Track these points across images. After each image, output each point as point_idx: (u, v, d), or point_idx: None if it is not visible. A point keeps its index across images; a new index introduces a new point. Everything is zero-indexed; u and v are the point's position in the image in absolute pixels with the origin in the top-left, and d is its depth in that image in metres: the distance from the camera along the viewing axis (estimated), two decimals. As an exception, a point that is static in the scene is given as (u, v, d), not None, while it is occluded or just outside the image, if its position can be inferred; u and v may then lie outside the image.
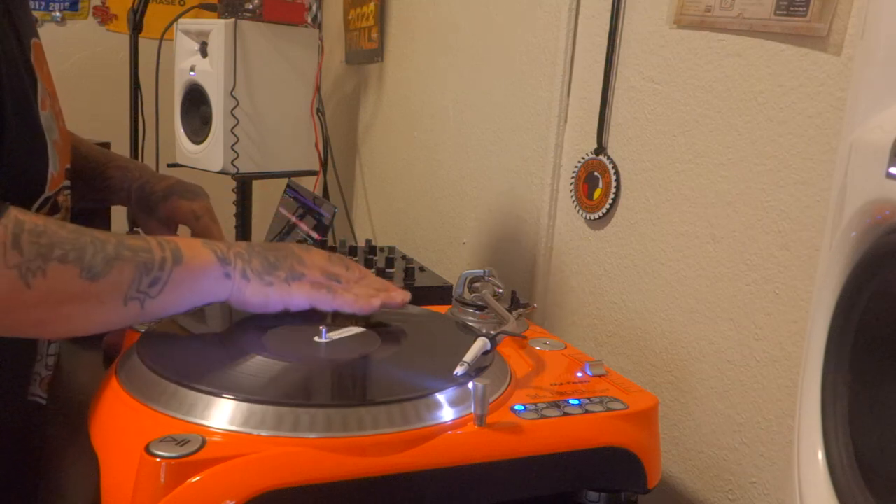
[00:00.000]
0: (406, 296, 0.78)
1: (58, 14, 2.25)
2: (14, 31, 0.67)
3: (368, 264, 1.09)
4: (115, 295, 0.62)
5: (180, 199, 0.93)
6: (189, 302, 0.68)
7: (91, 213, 0.93)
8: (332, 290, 0.74)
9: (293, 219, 1.50)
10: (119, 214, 1.00)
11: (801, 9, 0.78)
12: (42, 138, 0.67)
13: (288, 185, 1.58)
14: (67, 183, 0.77)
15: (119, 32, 2.31)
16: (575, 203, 1.13)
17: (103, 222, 1.34)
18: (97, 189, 0.94)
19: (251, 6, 1.60)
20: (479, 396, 0.61)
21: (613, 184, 1.05)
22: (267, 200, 1.83)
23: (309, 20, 1.73)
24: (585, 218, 1.11)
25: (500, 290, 0.87)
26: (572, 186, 1.14)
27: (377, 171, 1.91)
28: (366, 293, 0.76)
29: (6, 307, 0.58)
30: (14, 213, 0.58)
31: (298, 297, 0.72)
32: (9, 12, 0.66)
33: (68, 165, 0.77)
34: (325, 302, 0.73)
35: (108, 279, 0.61)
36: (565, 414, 0.65)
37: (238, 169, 1.63)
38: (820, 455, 0.53)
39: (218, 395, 0.59)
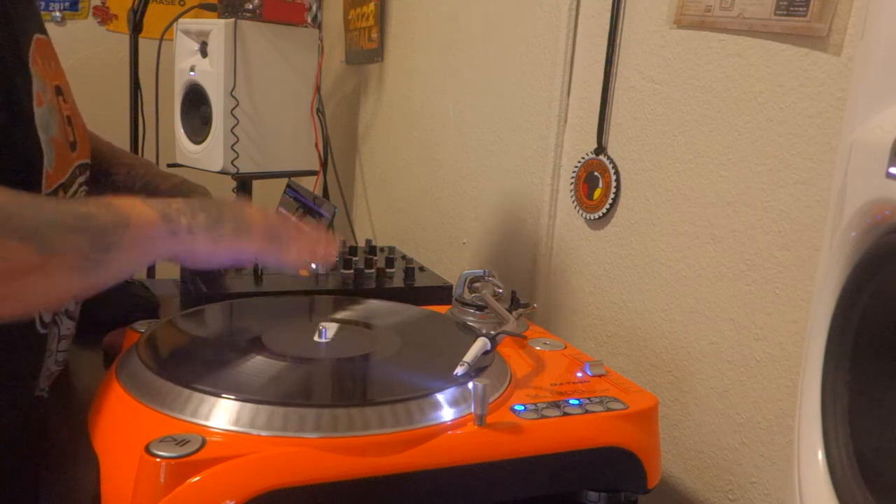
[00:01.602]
0: (334, 247, 0.78)
1: (58, 14, 2.25)
2: (8, 26, 0.66)
3: (368, 264, 1.09)
4: (68, 264, 0.61)
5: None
6: (140, 263, 0.67)
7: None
8: (277, 244, 0.74)
9: (293, 219, 1.50)
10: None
11: (801, 9, 0.78)
12: (34, 136, 0.67)
13: (288, 185, 1.59)
14: (83, 179, 0.78)
15: (119, 32, 2.31)
16: (575, 203, 1.13)
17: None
18: (101, 185, 0.94)
19: (251, 6, 1.60)
20: (479, 396, 0.61)
21: (613, 184, 1.05)
22: (267, 200, 1.83)
23: (309, 20, 1.73)
24: (585, 218, 1.11)
25: (500, 290, 0.87)
26: (572, 186, 1.14)
27: (377, 171, 1.91)
28: (303, 249, 0.76)
29: None
30: None
31: (245, 250, 0.73)
32: (4, 8, 0.66)
33: (84, 161, 0.77)
34: (272, 256, 0.74)
35: (62, 249, 0.60)
36: (565, 414, 0.65)
37: (238, 169, 1.63)
38: (820, 455, 0.53)
39: (218, 395, 0.59)
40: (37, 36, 0.71)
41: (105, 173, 0.94)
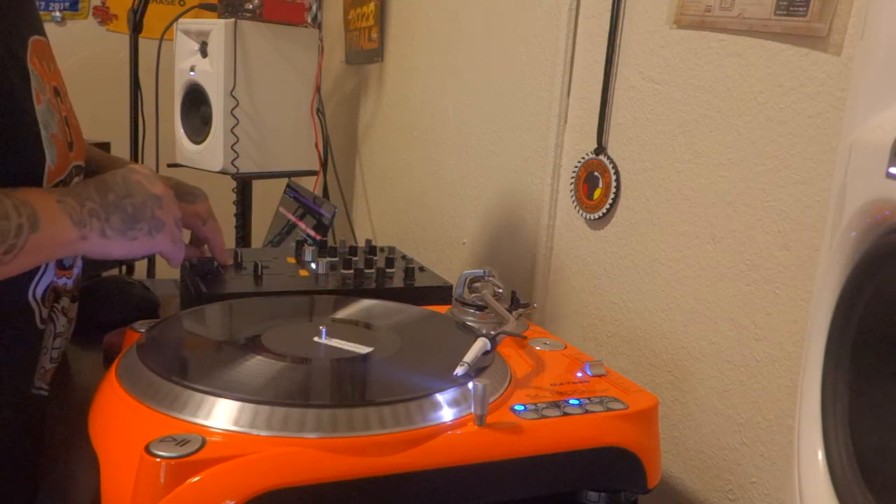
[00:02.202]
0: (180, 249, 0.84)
1: (58, 14, 2.25)
2: (5, 26, 0.67)
3: (369, 264, 1.09)
4: None
5: (181, 203, 0.93)
6: (42, 262, 0.70)
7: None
8: (178, 241, 0.81)
9: (293, 219, 1.51)
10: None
11: (801, 9, 0.78)
12: (36, 131, 0.67)
13: (288, 185, 1.59)
14: (79, 179, 0.78)
15: (119, 32, 2.31)
16: (575, 203, 1.13)
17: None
18: None
19: (251, 6, 1.60)
20: (479, 396, 0.61)
21: (613, 184, 1.05)
22: (267, 200, 1.83)
23: (309, 20, 1.73)
24: (585, 218, 1.11)
25: (500, 290, 0.87)
26: (572, 186, 1.14)
27: (377, 171, 1.91)
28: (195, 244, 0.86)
29: None
30: None
31: (160, 247, 0.78)
32: (0, 8, 0.66)
33: (79, 162, 0.77)
34: (176, 256, 0.81)
35: None
36: (565, 414, 0.65)
37: (238, 169, 1.63)
38: (820, 455, 0.53)
39: (218, 395, 0.59)
40: (35, 37, 0.71)
41: None
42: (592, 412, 0.66)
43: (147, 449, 0.53)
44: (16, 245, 0.64)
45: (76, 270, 0.80)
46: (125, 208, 0.73)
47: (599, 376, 0.73)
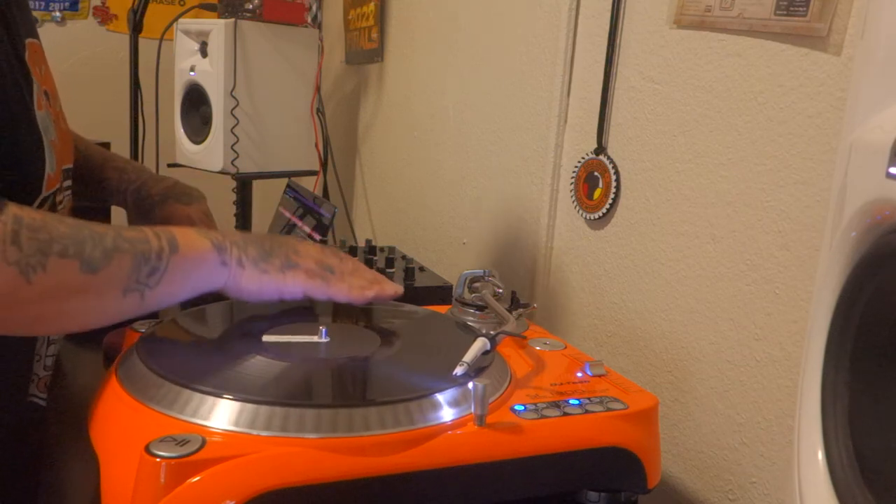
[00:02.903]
0: (398, 289, 0.79)
1: (58, 14, 2.25)
2: (6, 31, 0.66)
3: (368, 264, 1.09)
4: (114, 287, 0.62)
5: (176, 204, 0.93)
6: (187, 290, 0.68)
7: (90, 211, 0.93)
8: (326, 279, 0.75)
9: (293, 219, 1.50)
10: (119, 212, 1.00)
11: (801, 9, 0.78)
12: (38, 138, 0.67)
13: (288, 185, 1.58)
14: (68, 183, 0.77)
15: (119, 32, 2.31)
16: (575, 203, 1.13)
17: (103, 220, 1.34)
18: (93, 190, 0.94)
19: (251, 6, 1.60)
20: (479, 396, 0.61)
21: (613, 184, 1.05)
22: (267, 200, 1.83)
23: (309, 20, 1.73)
24: (585, 218, 1.11)
25: (500, 290, 0.87)
26: (572, 186, 1.14)
27: (377, 171, 1.91)
28: (359, 284, 0.77)
29: (6, 303, 0.58)
30: (12, 208, 0.58)
31: (293, 284, 0.73)
32: (1, 12, 0.66)
33: (68, 166, 0.77)
34: (320, 290, 0.74)
35: (107, 271, 0.61)
36: (565, 414, 0.65)
37: (238, 169, 1.63)
38: (820, 455, 0.53)
39: (218, 395, 0.59)
40: (29, 40, 0.71)
41: (97, 178, 0.94)
42: (592, 412, 0.66)
43: (147, 449, 0.53)
44: (158, 268, 0.64)
45: None
46: (262, 245, 0.73)
47: (599, 376, 0.73)
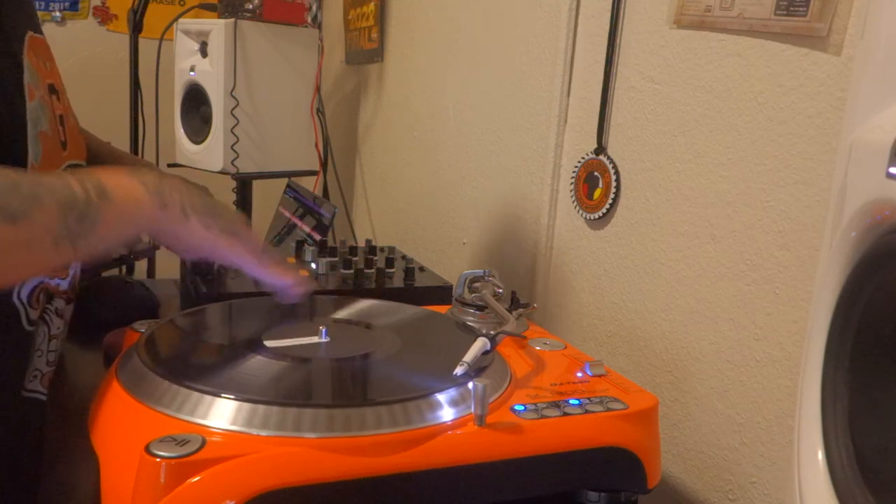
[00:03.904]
0: (310, 289, 0.78)
1: (58, 14, 2.25)
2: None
3: (369, 264, 1.09)
4: (41, 237, 0.58)
5: None
6: (122, 236, 0.65)
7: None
8: (262, 258, 0.74)
9: (293, 219, 1.50)
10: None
11: (801, 9, 0.78)
12: (20, 127, 0.66)
13: (288, 185, 1.59)
14: None
15: (119, 32, 2.31)
16: (575, 203, 1.13)
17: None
18: None
19: (251, 6, 1.60)
20: (479, 396, 0.61)
21: (613, 184, 1.05)
22: (267, 200, 1.83)
23: (309, 20, 1.73)
24: (585, 218, 1.11)
25: (500, 290, 0.87)
26: (572, 186, 1.14)
27: (377, 171, 1.91)
28: (290, 272, 0.76)
29: None
30: None
31: (231, 251, 0.71)
32: None
33: (75, 162, 0.77)
34: (253, 266, 0.73)
35: (31, 220, 0.57)
36: (565, 414, 0.65)
37: (238, 169, 1.63)
38: (820, 455, 0.53)
39: (218, 395, 0.59)
40: (31, 34, 0.71)
41: None
42: (592, 412, 0.66)
43: (147, 449, 0.53)
44: (87, 214, 0.60)
45: (72, 271, 0.79)
46: (204, 198, 0.70)
47: (599, 376, 0.73)
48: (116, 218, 0.63)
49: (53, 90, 0.73)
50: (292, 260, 1.10)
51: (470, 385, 0.63)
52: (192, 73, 1.64)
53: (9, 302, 0.69)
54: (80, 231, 0.60)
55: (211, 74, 1.60)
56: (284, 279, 0.75)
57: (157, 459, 0.52)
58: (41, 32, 0.75)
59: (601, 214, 1.07)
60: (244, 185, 1.73)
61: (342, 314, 0.83)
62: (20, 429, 0.72)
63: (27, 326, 0.71)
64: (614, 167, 1.05)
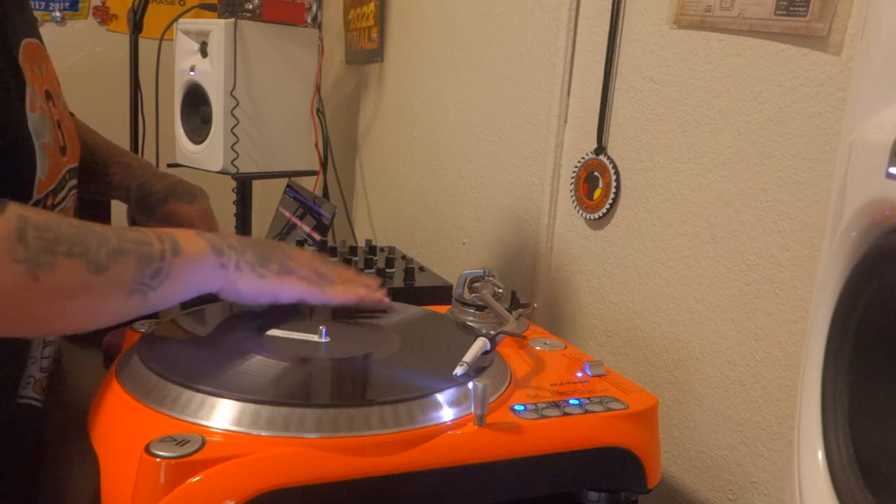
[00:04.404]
0: (386, 300, 0.83)
1: (58, 14, 2.25)
2: (2, 33, 0.66)
3: (368, 264, 1.09)
4: (119, 287, 0.63)
5: (178, 203, 0.93)
6: (187, 292, 0.69)
7: (92, 205, 0.93)
8: (321, 285, 0.78)
9: (293, 219, 1.50)
10: (119, 207, 1.00)
11: (801, 9, 0.78)
12: (28, 142, 0.67)
13: (288, 185, 1.59)
14: (74, 183, 0.77)
15: (119, 32, 2.31)
16: (575, 203, 1.13)
17: (104, 213, 1.34)
18: (97, 184, 0.94)
19: (251, 6, 1.60)
20: (479, 396, 0.61)
21: (613, 184, 1.05)
22: (267, 200, 1.84)
23: (309, 20, 1.73)
24: (585, 218, 1.11)
25: (500, 290, 0.87)
26: (572, 186, 1.14)
27: (377, 171, 1.91)
28: (353, 288, 0.80)
29: (13, 303, 0.58)
30: (15, 207, 0.58)
31: (288, 289, 0.75)
32: None
33: (73, 165, 0.77)
34: (315, 295, 0.77)
35: (113, 272, 0.62)
36: (565, 414, 0.65)
37: (238, 169, 1.63)
38: (820, 455, 0.53)
39: (218, 395, 0.59)
40: (26, 40, 0.70)
41: (102, 173, 0.94)
42: (592, 412, 0.66)
43: (147, 449, 0.53)
44: (162, 269, 0.65)
45: None
46: (259, 250, 0.75)
47: (599, 376, 0.73)
48: (185, 275, 0.68)
49: (49, 95, 0.73)
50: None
51: (470, 385, 0.63)
52: (192, 73, 1.64)
53: None
54: (153, 284, 0.65)
55: (211, 74, 1.60)
56: (353, 297, 0.80)
57: (157, 459, 0.52)
58: (38, 36, 0.74)
59: (601, 214, 1.07)
60: (244, 185, 1.73)
61: (342, 314, 0.83)
62: (14, 435, 0.72)
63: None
64: (614, 167, 1.05)
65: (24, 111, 0.67)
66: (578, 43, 1.13)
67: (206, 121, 1.64)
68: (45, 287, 0.58)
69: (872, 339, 0.50)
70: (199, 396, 0.59)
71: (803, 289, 0.79)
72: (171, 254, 0.66)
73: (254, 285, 0.73)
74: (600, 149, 1.07)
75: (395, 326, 0.79)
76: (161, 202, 0.93)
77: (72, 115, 0.86)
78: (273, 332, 0.74)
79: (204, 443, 0.54)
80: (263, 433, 0.57)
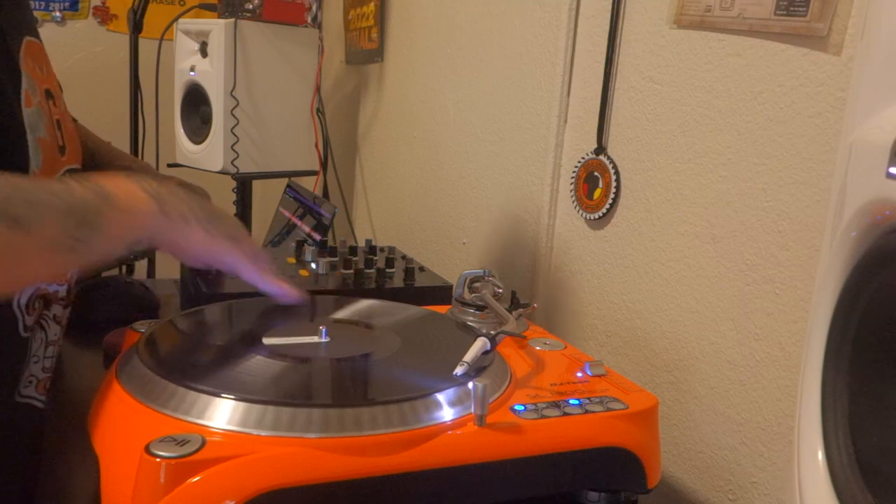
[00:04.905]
0: (306, 297, 0.81)
1: (58, 14, 2.25)
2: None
3: (368, 264, 1.09)
4: (46, 244, 0.58)
5: None
6: (123, 242, 0.65)
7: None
8: (259, 266, 0.76)
9: (293, 219, 1.51)
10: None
11: (801, 9, 0.78)
12: (21, 134, 0.66)
13: (288, 185, 1.59)
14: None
15: (119, 32, 2.31)
16: (575, 203, 1.13)
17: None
18: None
19: (251, 6, 1.60)
20: (479, 396, 0.61)
21: (613, 184, 1.05)
22: (267, 200, 1.84)
23: (309, 20, 1.73)
24: (585, 218, 1.11)
25: (500, 290, 0.87)
26: (572, 186, 1.14)
27: (377, 171, 1.91)
28: (284, 281, 0.79)
29: None
30: None
31: (230, 258, 0.73)
32: None
33: (73, 166, 0.77)
34: (250, 274, 0.75)
35: (33, 225, 0.57)
36: (565, 414, 0.65)
37: (238, 169, 1.63)
38: (820, 455, 0.53)
39: (218, 395, 0.59)
40: (27, 39, 0.70)
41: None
42: (592, 412, 0.66)
43: (147, 449, 0.53)
44: (87, 220, 0.60)
45: (70, 276, 0.79)
46: (203, 204, 0.70)
47: (599, 376, 0.73)
48: (118, 223, 0.63)
49: (50, 95, 0.73)
50: (292, 260, 1.10)
51: (470, 385, 0.63)
52: (192, 73, 1.64)
53: (9, 307, 0.69)
54: (82, 236, 0.60)
55: (211, 74, 1.60)
56: (279, 287, 0.78)
57: (157, 459, 0.52)
58: (37, 35, 0.74)
59: (601, 214, 1.07)
60: (244, 185, 1.73)
61: (342, 314, 0.83)
62: (14, 433, 0.71)
63: (23, 333, 0.71)
64: (614, 167, 1.05)
65: (18, 104, 0.66)
66: (578, 43, 1.13)
67: (206, 121, 1.64)
68: None
69: (872, 340, 0.50)
70: (199, 396, 0.59)
71: (803, 289, 0.79)
72: (98, 201, 0.61)
73: (198, 241, 0.69)
74: (600, 149, 1.08)
75: (395, 326, 0.79)
76: None
77: (74, 120, 0.85)
78: (273, 331, 0.74)
79: (204, 443, 0.54)
80: (263, 433, 0.57)
